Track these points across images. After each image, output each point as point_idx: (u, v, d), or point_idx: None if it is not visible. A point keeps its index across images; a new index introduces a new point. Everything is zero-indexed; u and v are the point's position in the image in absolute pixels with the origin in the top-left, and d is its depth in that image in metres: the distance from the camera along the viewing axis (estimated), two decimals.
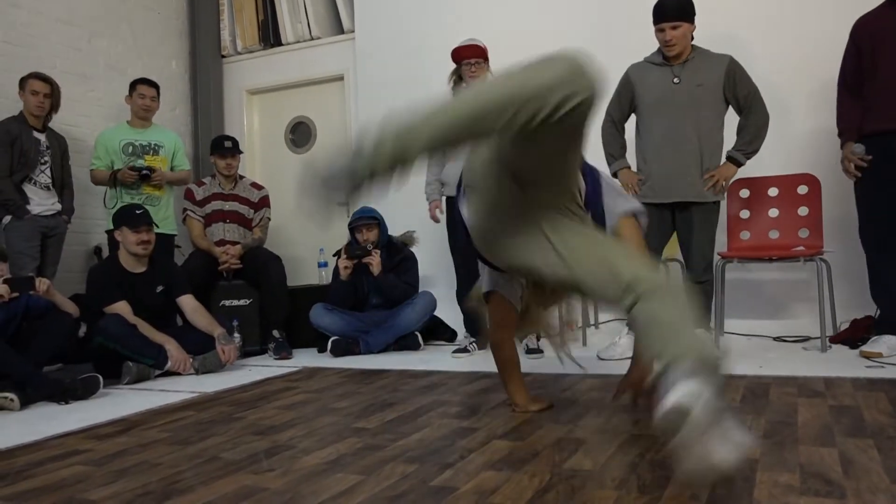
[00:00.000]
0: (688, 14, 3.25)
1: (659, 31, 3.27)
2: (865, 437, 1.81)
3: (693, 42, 3.36)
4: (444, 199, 3.93)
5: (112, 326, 3.39)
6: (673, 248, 3.56)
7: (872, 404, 2.17)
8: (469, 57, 3.68)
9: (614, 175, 3.56)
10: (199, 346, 3.58)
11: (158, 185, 4.36)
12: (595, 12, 4.47)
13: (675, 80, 3.30)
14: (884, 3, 3.22)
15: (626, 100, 3.48)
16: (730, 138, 3.43)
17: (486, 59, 3.73)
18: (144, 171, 4.24)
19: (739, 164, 3.35)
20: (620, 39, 3.98)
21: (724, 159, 3.38)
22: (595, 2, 4.50)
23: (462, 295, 3.85)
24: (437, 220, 3.93)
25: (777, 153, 4.03)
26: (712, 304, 3.50)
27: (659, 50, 3.38)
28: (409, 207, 4.45)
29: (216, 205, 4.45)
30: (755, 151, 3.35)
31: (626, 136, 3.61)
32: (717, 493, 1.44)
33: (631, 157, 3.60)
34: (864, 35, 3.21)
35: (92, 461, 1.97)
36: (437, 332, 4.34)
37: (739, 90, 3.30)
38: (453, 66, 3.79)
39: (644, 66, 3.44)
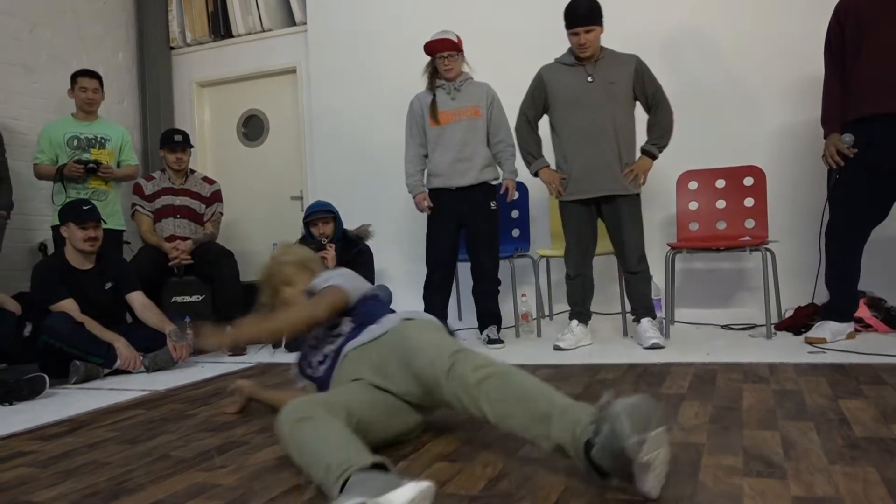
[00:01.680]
0: (598, 17, 3.34)
1: (573, 34, 3.35)
2: (806, 419, 1.87)
3: (602, 44, 3.43)
4: (426, 190, 3.87)
5: (58, 325, 3.30)
6: (606, 243, 3.62)
7: (814, 388, 2.25)
8: (442, 50, 3.67)
9: (535, 174, 3.62)
10: (149, 344, 3.52)
11: (105, 180, 4.25)
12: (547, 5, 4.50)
13: (589, 78, 3.39)
14: None
15: (540, 100, 3.55)
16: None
17: (459, 51, 3.71)
18: (91, 165, 4.13)
19: (654, 157, 3.46)
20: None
21: (638, 153, 3.47)
22: None
23: (433, 286, 3.80)
24: (427, 211, 3.83)
25: (726, 146, 4.13)
26: (653, 293, 3.57)
27: (570, 51, 3.46)
28: (365, 200, 4.44)
29: (166, 200, 4.36)
30: (666, 145, 3.47)
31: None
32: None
33: (549, 156, 3.64)
34: (849, 15, 3.15)
35: (37, 462, 1.93)
36: None
37: (648, 87, 3.42)
38: (405, 58, 3.77)
39: (556, 66, 3.52)
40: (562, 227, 3.59)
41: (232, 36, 5.62)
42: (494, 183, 3.78)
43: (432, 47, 3.69)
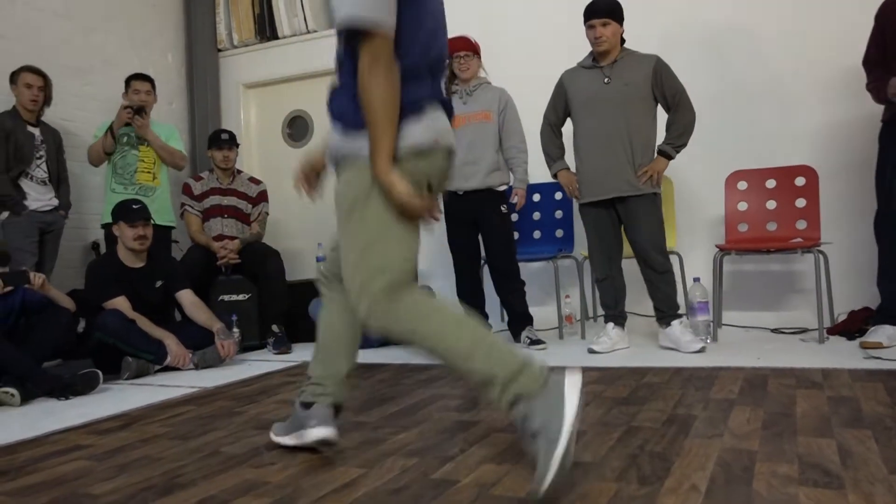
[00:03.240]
0: (617, 14, 3.32)
1: (589, 27, 3.34)
2: (863, 427, 1.82)
3: (625, 45, 3.41)
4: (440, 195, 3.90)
5: (111, 322, 3.39)
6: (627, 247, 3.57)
7: (870, 395, 2.19)
8: (458, 50, 3.70)
9: (554, 177, 3.62)
10: (198, 341, 3.59)
11: (145, 136, 4.29)
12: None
13: (606, 80, 3.36)
14: None
15: (561, 104, 3.55)
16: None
17: (476, 52, 3.76)
18: (138, 106, 4.23)
19: (670, 158, 3.39)
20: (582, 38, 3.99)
21: (655, 154, 3.41)
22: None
23: (462, 291, 3.85)
24: (436, 220, 3.88)
25: (776, 145, 4.04)
26: (698, 296, 3.51)
27: (590, 53, 3.44)
28: None
29: (214, 199, 4.44)
30: (684, 145, 3.39)
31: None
32: (717, 484, 1.45)
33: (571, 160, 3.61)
34: (889, 16, 3.17)
35: (93, 456, 1.98)
36: None
37: (667, 89, 3.35)
38: None
39: (576, 70, 3.52)
40: (585, 230, 3.57)
41: (277, 38, 5.69)
42: (501, 189, 3.78)
43: (450, 46, 3.71)
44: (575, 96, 3.47)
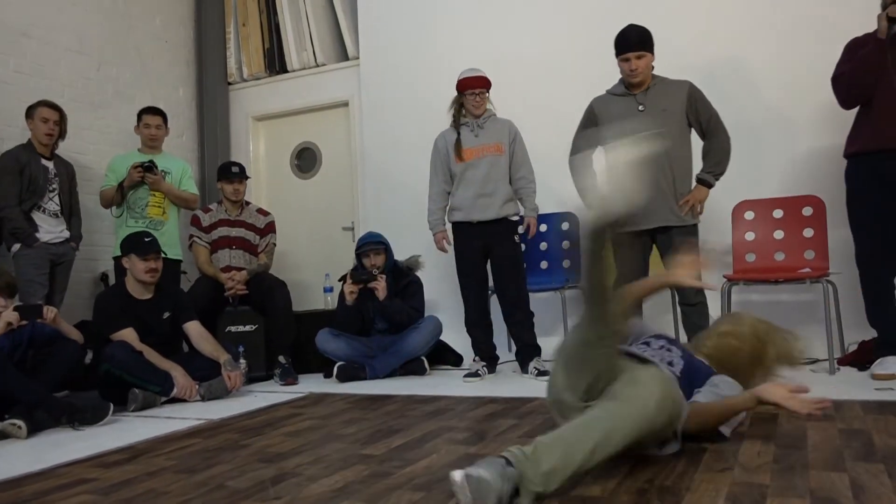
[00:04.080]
0: (649, 45, 3.33)
1: (623, 60, 3.34)
2: (876, 461, 1.80)
3: (654, 72, 3.41)
4: (449, 225, 3.94)
5: (118, 353, 3.39)
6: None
7: (882, 427, 2.16)
8: (474, 87, 3.74)
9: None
10: (205, 373, 3.58)
11: (158, 189, 4.34)
12: (594, 35, 4.51)
13: (640, 107, 3.36)
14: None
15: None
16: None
17: (489, 88, 3.80)
18: (147, 164, 4.27)
19: (710, 186, 3.38)
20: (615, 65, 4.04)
21: (694, 183, 3.40)
22: (594, 25, 4.54)
23: (471, 321, 3.85)
24: (444, 251, 3.95)
25: (782, 175, 4.05)
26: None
27: (621, 80, 3.45)
28: (416, 231, 4.48)
29: (222, 231, 4.47)
30: (723, 172, 3.38)
31: None
32: None
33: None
34: (858, 50, 3.18)
35: (99, 490, 1.97)
36: (443, 356, 4.33)
37: (702, 114, 3.35)
38: (455, 91, 3.84)
39: (607, 97, 3.51)
40: (613, 258, 3.54)
41: (287, 71, 5.78)
42: (514, 219, 3.81)
43: (466, 84, 3.77)
44: (609, 124, 3.44)
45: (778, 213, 3.82)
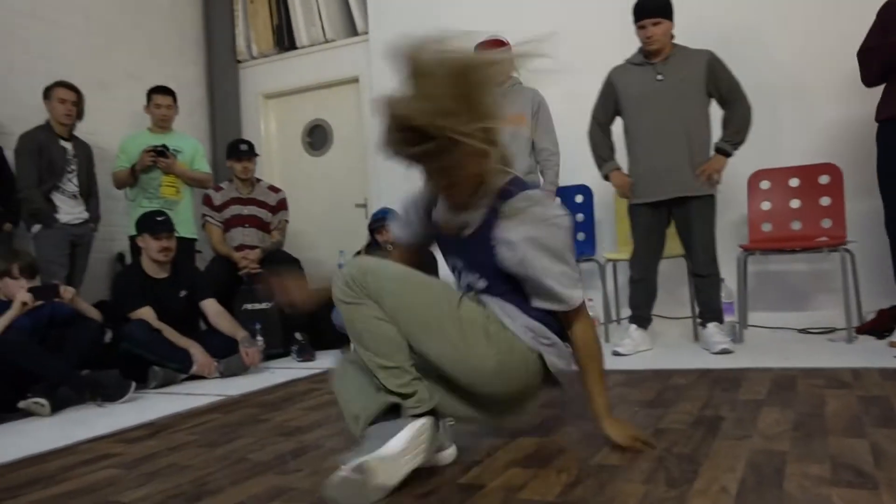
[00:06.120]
0: (667, 12, 3.27)
1: (640, 27, 3.28)
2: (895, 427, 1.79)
3: (674, 41, 3.35)
4: None
5: (137, 332, 3.43)
6: (675, 245, 3.54)
7: None
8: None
9: (605, 178, 3.55)
10: (222, 350, 3.61)
11: (171, 172, 4.35)
12: (609, 4, 4.45)
13: (659, 77, 3.31)
14: None
15: (611, 102, 3.48)
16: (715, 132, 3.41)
17: None
18: (160, 148, 4.28)
19: (728, 155, 3.33)
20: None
21: (712, 152, 3.36)
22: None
23: None
24: None
25: (799, 143, 4.00)
26: (723, 297, 3.47)
27: (640, 50, 3.39)
28: None
29: (234, 209, 4.48)
30: (742, 142, 3.32)
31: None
32: (747, 486, 1.43)
33: (622, 159, 3.57)
34: (892, 14, 3.12)
35: (123, 464, 2.00)
36: None
37: (721, 83, 3.29)
38: None
39: (625, 67, 3.45)
40: (630, 230, 3.52)
41: (296, 48, 5.74)
42: None
43: (483, 49, 3.68)
44: (626, 94, 3.39)
45: (794, 182, 3.78)
